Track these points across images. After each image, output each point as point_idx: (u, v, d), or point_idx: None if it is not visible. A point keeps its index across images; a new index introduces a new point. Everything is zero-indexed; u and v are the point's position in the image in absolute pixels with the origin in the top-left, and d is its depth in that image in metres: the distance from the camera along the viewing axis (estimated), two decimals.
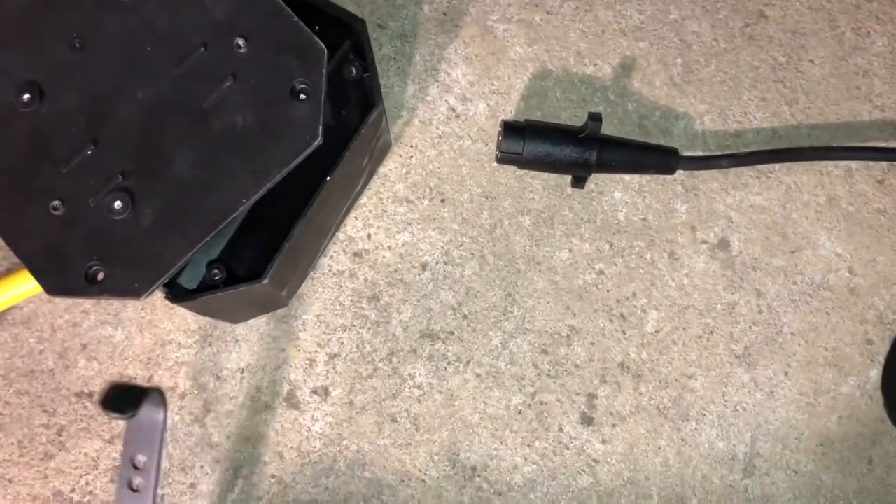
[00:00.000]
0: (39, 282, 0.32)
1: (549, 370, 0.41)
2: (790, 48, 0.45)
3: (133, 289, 0.32)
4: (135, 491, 0.39)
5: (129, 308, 0.42)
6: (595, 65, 0.45)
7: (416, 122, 0.44)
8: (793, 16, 0.45)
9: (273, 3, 0.33)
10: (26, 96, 0.33)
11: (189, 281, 0.37)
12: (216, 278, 0.36)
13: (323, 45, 0.33)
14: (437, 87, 0.45)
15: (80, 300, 0.42)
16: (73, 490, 0.40)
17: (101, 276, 0.32)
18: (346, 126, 0.37)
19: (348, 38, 0.38)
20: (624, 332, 0.42)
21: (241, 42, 0.33)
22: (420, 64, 0.45)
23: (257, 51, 0.33)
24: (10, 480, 0.41)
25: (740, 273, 0.42)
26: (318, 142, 0.32)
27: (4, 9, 0.34)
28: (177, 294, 0.35)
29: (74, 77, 0.33)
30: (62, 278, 0.32)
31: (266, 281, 0.35)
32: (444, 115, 0.44)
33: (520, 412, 0.41)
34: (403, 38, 0.45)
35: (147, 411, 0.40)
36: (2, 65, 0.33)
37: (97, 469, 0.41)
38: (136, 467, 0.39)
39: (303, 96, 0.33)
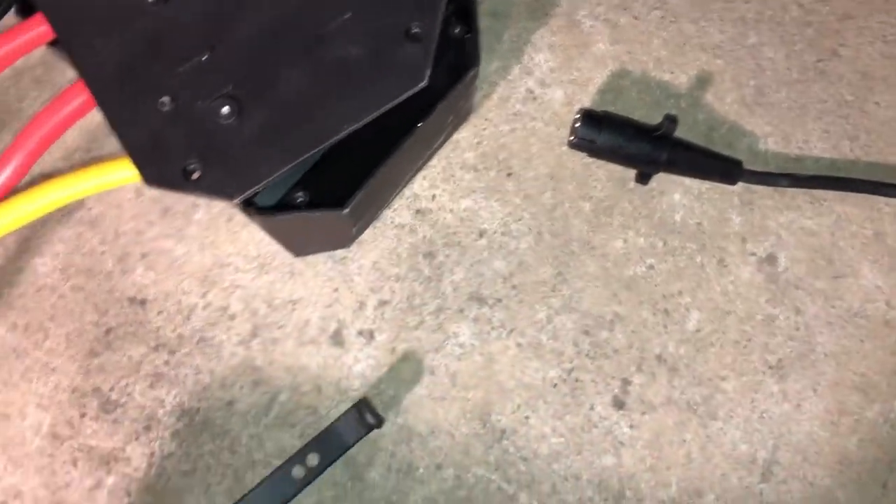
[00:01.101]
0: (139, 170, 0.33)
1: (588, 350, 0.43)
2: (858, 88, 0.47)
3: (227, 191, 0.33)
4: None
5: (194, 226, 0.43)
6: (672, 73, 0.47)
7: (494, 97, 0.46)
8: (864, 59, 0.47)
9: None
10: None
11: (267, 200, 0.38)
12: (299, 200, 0.37)
13: None
14: (520, 68, 0.46)
15: (147, 212, 0.43)
16: (111, 389, 0.41)
17: (197, 174, 0.33)
18: (440, 81, 0.39)
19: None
20: (665, 327, 0.43)
21: None
22: (507, 43, 0.47)
23: None
24: (53, 369, 0.41)
25: (783, 289, 0.44)
26: (423, 83, 0.34)
27: None
28: (259, 208, 0.36)
29: None
30: (161, 170, 0.33)
31: (346, 211, 0.36)
32: (522, 96, 0.46)
33: (555, 385, 0.42)
34: (494, 16, 0.47)
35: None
36: None
37: (138, 373, 0.42)
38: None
39: (415, 39, 0.34)
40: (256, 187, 0.33)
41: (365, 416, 0.39)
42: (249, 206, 0.36)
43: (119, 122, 0.34)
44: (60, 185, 0.35)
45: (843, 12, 0.48)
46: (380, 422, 0.40)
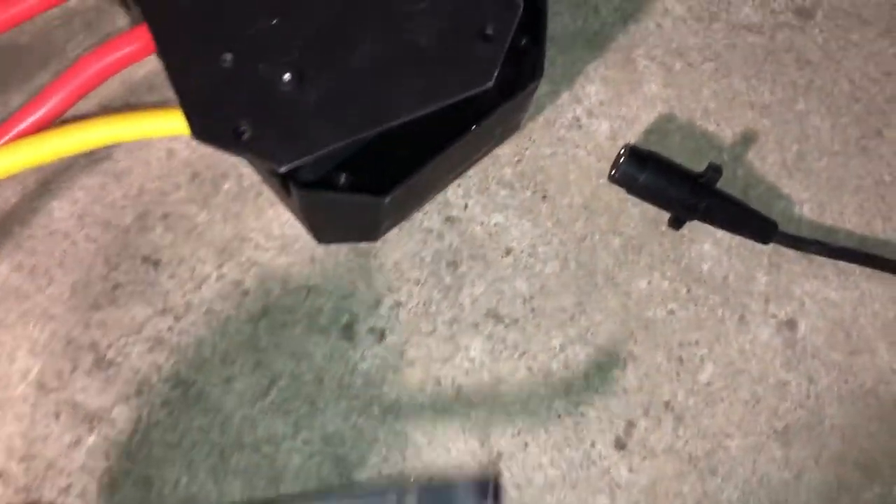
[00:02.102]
0: (190, 122, 0.32)
1: (598, 386, 0.42)
2: None
3: (276, 157, 0.32)
4: None
5: (221, 195, 0.42)
6: (718, 125, 0.47)
7: (540, 118, 0.46)
8: None
9: None
10: None
11: (309, 177, 0.37)
12: (341, 181, 0.36)
13: (520, 1, 0.34)
14: (570, 94, 0.46)
15: (176, 174, 0.42)
16: (109, 346, 0.40)
17: (247, 135, 0.32)
18: (499, 87, 0.38)
19: (526, 10, 0.40)
20: (678, 374, 0.42)
21: None
22: (560, 68, 0.47)
23: None
24: (51, 317, 0.40)
25: (799, 356, 0.43)
26: (489, 84, 0.34)
27: None
28: (300, 182, 0.35)
29: None
30: (212, 125, 0.32)
31: (387, 201, 0.36)
32: (569, 122, 0.46)
33: (559, 416, 0.41)
34: (552, 40, 0.47)
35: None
36: None
37: (139, 334, 0.40)
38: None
39: (488, 39, 0.34)
40: (307, 157, 0.32)
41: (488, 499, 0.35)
42: (291, 179, 0.35)
43: (177, 70, 0.33)
44: (102, 123, 0.34)
45: (891, 94, 0.48)
46: None
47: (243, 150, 0.32)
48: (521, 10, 0.34)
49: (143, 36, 0.34)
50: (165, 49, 0.33)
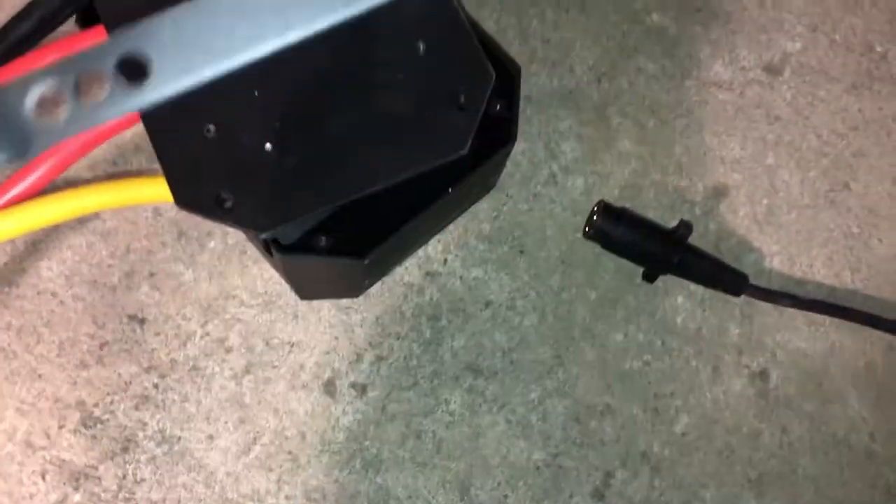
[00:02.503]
0: (173, 190, 0.33)
1: (576, 438, 0.43)
2: (864, 223, 0.49)
3: (257, 223, 0.33)
4: None
5: (206, 254, 0.44)
6: (690, 179, 0.48)
7: (517, 175, 0.47)
8: (873, 195, 0.49)
9: (458, 21, 0.36)
10: None
11: (289, 239, 0.38)
12: (321, 244, 0.37)
13: (493, 71, 0.36)
14: (546, 151, 0.48)
15: (162, 233, 0.43)
16: (96, 405, 0.41)
17: (229, 203, 0.34)
18: (474, 151, 0.40)
19: (499, 77, 0.41)
20: (654, 425, 0.43)
21: (421, 45, 0.36)
22: (536, 126, 0.48)
23: (433, 55, 0.36)
24: (39, 376, 0.41)
25: (772, 406, 0.44)
26: (463, 152, 0.35)
27: None
28: (281, 246, 0.36)
29: None
30: (195, 194, 0.34)
31: (366, 262, 0.37)
32: (545, 178, 0.47)
33: (538, 468, 0.42)
34: (527, 99, 0.48)
35: None
36: None
37: (125, 392, 0.41)
38: None
39: (462, 108, 0.35)
40: (288, 221, 0.33)
41: None
42: (273, 242, 0.36)
43: (162, 140, 0.34)
44: (89, 192, 0.35)
45: (857, 149, 0.50)
46: None
47: (226, 218, 0.33)
48: (494, 79, 0.36)
49: None
50: (150, 119, 0.34)
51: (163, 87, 0.19)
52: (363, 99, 0.35)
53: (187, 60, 0.19)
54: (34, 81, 0.18)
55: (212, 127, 0.34)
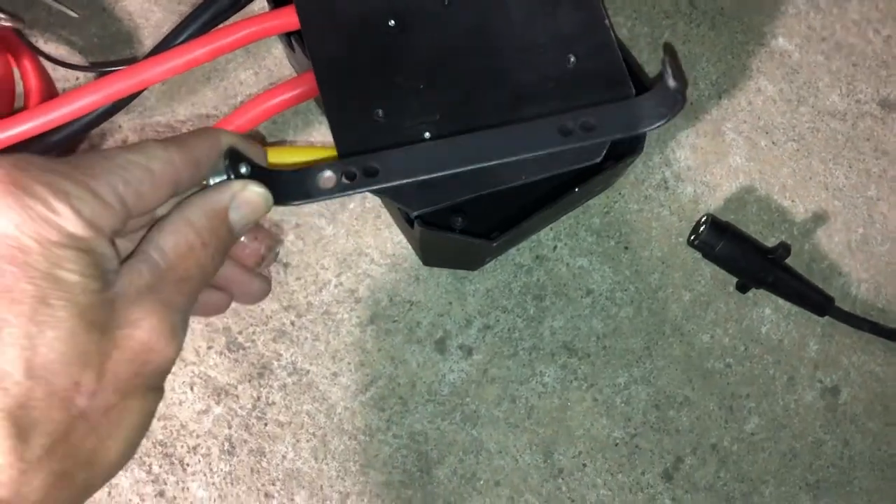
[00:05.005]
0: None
1: (654, 423, 0.47)
2: None
3: (411, 202, 0.38)
4: None
5: (346, 213, 0.49)
6: (793, 201, 0.51)
7: (631, 177, 0.51)
8: None
9: (608, 39, 0.40)
10: (392, 22, 0.40)
11: (429, 216, 0.43)
12: (457, 224, 0.42)
13: (633, 89, 0.40)
14: (660, 157, 0.51)
15: None
16: (240, 332, 0.47)
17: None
18: (604, 157, 0.44)
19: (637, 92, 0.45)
20: (726, 422, 0.48)
21: (572, 57, 0.40)
22: (654, 134, 0.52)
23: (581, 68, 0.40)
24: None
25: (839, 420, 0.48)
26: (598, 160, 0.39)
27: None
28: (424, 222, 0.41)
29: (435, 25, 0.40)
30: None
31: (494, 245, 0.41)
32: (657, 183, 0.51)
33: (616, 444, 0.47)
34: None
35: None
36: None
37: (266, 325, 0.47)
38: None
39: None
40: (436, 206, 0.38)
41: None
42: (418, 218, 0.41)
43: (337, 117, 0.39)
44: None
45: None
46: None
47: (384, 193, 0.38)
48: (633, 93, 0.40)
49: (310, 81, 0.41)
50: (328, 98, 0.39)
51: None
52: (513, 104, 0.40)
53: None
54: (322, 169, 0.34)
55: (380, 111, 0.39)
